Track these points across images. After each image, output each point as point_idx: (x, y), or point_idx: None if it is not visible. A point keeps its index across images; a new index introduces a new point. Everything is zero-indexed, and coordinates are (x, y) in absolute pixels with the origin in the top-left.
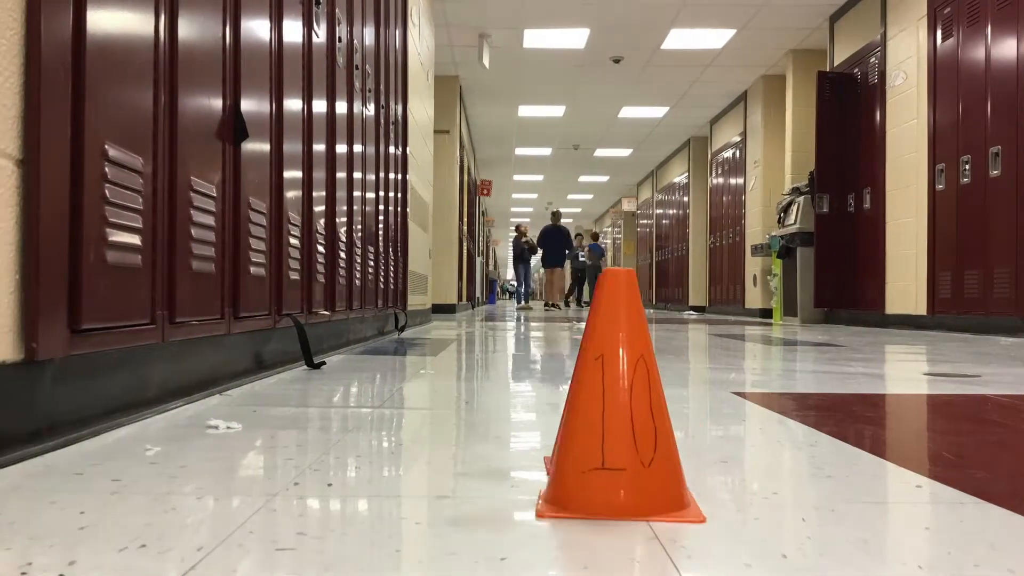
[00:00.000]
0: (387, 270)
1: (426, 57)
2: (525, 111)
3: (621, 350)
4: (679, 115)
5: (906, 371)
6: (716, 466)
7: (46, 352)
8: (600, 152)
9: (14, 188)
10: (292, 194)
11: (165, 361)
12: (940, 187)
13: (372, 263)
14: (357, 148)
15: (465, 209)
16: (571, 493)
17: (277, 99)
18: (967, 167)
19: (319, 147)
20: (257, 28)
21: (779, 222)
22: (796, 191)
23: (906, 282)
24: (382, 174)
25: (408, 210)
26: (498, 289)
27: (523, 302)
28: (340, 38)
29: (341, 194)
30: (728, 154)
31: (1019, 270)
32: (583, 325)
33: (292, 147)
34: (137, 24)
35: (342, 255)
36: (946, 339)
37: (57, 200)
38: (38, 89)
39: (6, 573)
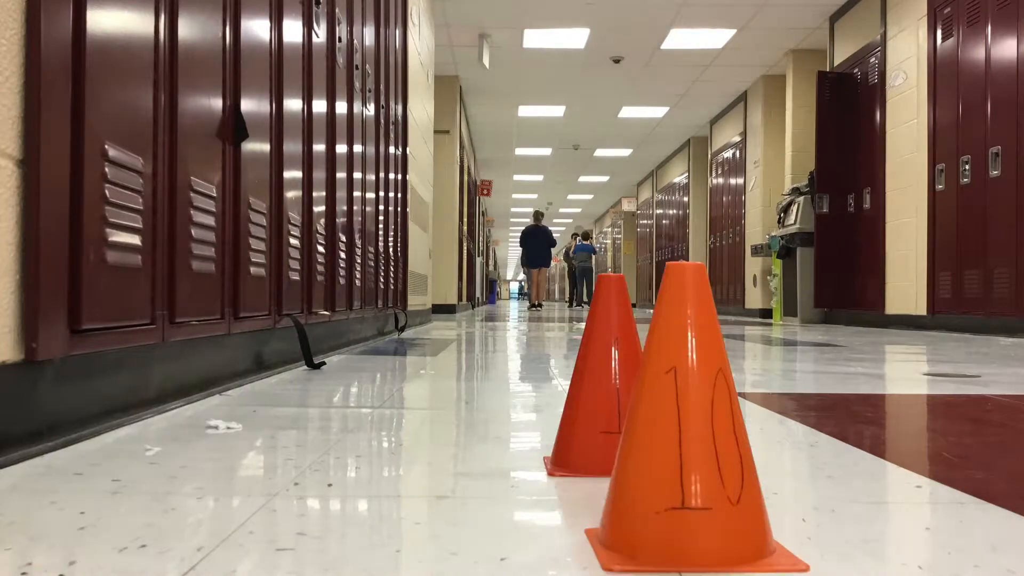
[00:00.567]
0: (387, 270)
1: (426, 57)
2: (525, 111)
3: (696, 361)
4: (679, 115)
5: (906, 371)
6: None
7: (46, 352)
8: (600, 152)
9: (14, 188)
10: (292, 194)
11: (165, 361)
12: (940, 187)
13: (372, 263)
14: (357, 148)
15: (465, 209)
16: (641, 539)
17: (277, 99)
18: (967, 167)
19: (319, 147)
20: (257, 28)
21: (779, 222)
22: (796, 191)
23: (906, 282)
24: (382, 174)
25: (408, 210)
26: (499, 290)
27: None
28: (340, 38)
29: (341, 194)
30: (728, 154)
31: (1019, 270)
32: (582, 325)
33: (292, 147)
34: (137, 24)
35: (342, 255)
36: (946, 339)
37: (57, 200)
38: (38, 89)
39: (6, 573)
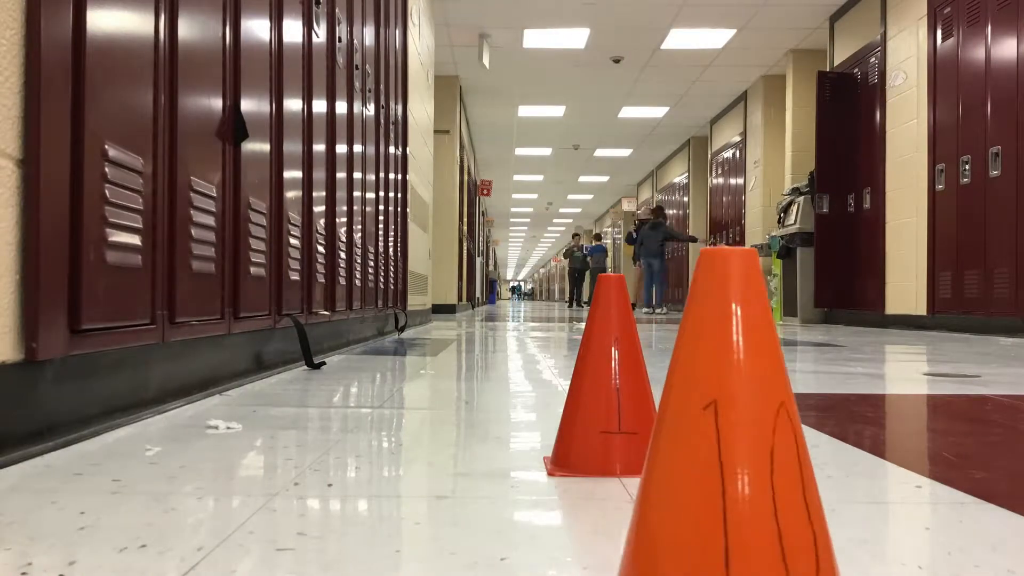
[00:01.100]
0: (387, 270)
1: (426, 57)
2: (525, 111)
3: (749, 392)
4: (679, 115)
5: (906, 371)
6: None
7: (46, 352)
8: (600, 152)
9: (14, 188)
10: (292, 194)
11: (165, 361)
12: (940, 187)
13: (372, 263)
14: (357, 148)
15: (465, 209)
16: None
17: (277, 99)
18: (967, 167)
19: (319, 147)
20: (257, 28)
21: (779, 222)
22: (796, 191)
23: (906, 282)
24: (382, 174)
25: (408, 210)
26: (499, 290)
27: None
28: (340, 38)
29: (341, 194)
30: (728, 154)
31: (1019, 270)
32: (582, 325)
33: (292, 147)
34: (137, 24)
35: (342, 255)
36: (946, 339)
37: (57, 200)
38: (38, 89)
39: (6, 573)
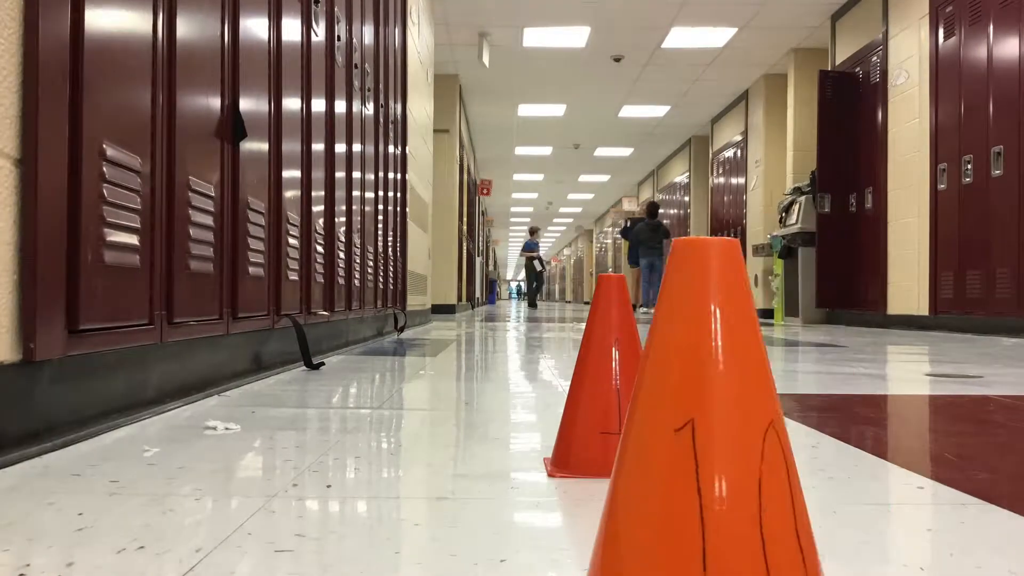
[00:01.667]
0: (386, 270)
1: (425, 56)
2: (525, 110)
3: (731, 410)
4: (680, 114)
5: (908, 372)
6: None
7: (44, 353)
8: (600, 151)
9: (12, 188)
10: (291, 194)
11: (163, 361)
12: (942, 187)
13: (371, 263)
14: (356, 147)
15: (465, 209)
16: None
17: (276, 98)
18: (969, 167)
19: (318, 147)
20: (256, 27)
21: (780, 222)
22: (797, 191)
23: (908, 282)
24: (381, 173)
25: (407, 210)
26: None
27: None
28: (339, 37)
29: (340, 194)
30: (729, 153)
31: (1022, 270)
32: (582, 325)
33: (291, 146)
34: (135, 23)
35: (341, 255)
36: (948, 339)
37: (55, 200)
38: (36, 88)
39: (4, 574)
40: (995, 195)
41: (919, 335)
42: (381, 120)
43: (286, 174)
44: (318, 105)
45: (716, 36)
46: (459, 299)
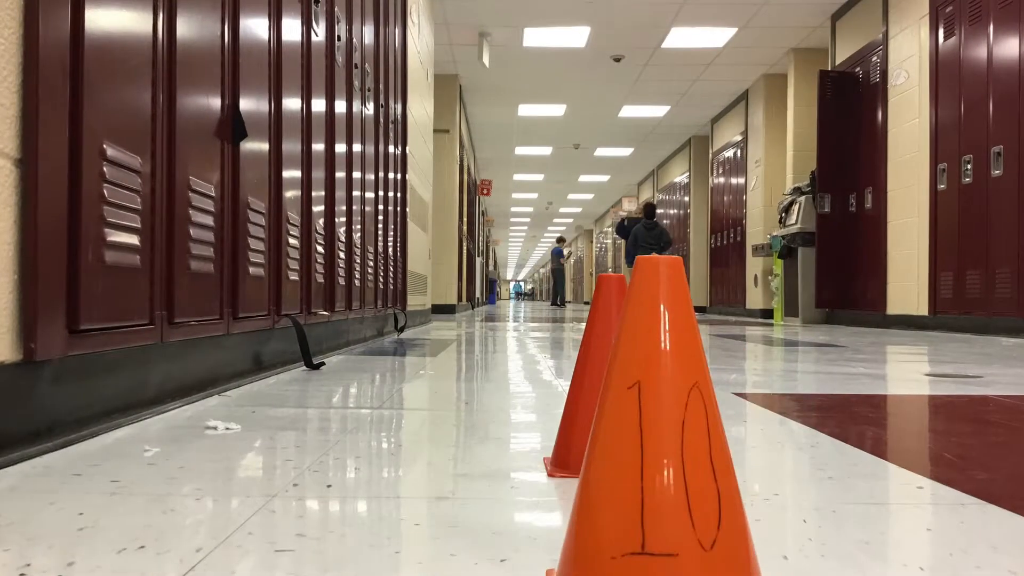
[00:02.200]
0: (386, 270)
1: (426, 56)
2: (525, 110)
3: (669, 375)
4: (680, 114)
5: (907, 372)
6: None
7: (45, 353)
8: (600, 151)
9: (12, 188)
10: (291, 194)
11: (164, 361)
12: (942, 187)
13: (371, 263)
14: (356, 147)
15: (465, 209)
16: None
17: (276, 98)
18: (969, 167)
19: (318, 147)
20: (256, 27)
21: (780, 222)
22: (797, 191)
23: (907, 282)
24: (381, 174)
25: (407, 210)
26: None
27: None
28: (339, 37)
29: (340, 194)
30: (729, 153)
31: (1021, 270)
32: (582, 325)
33: (291, 146)
34: (135, 23)
35: (341, 255)
36: (947, 340)
37: (55, 200)
38: (36, 88)
39: (5, 574)
40: (995, 195)
41: (919, 335)
42: (381, 120)
43: (286, 174)
44: (318, 105)
45: (716, 36)
46: (459, 299)
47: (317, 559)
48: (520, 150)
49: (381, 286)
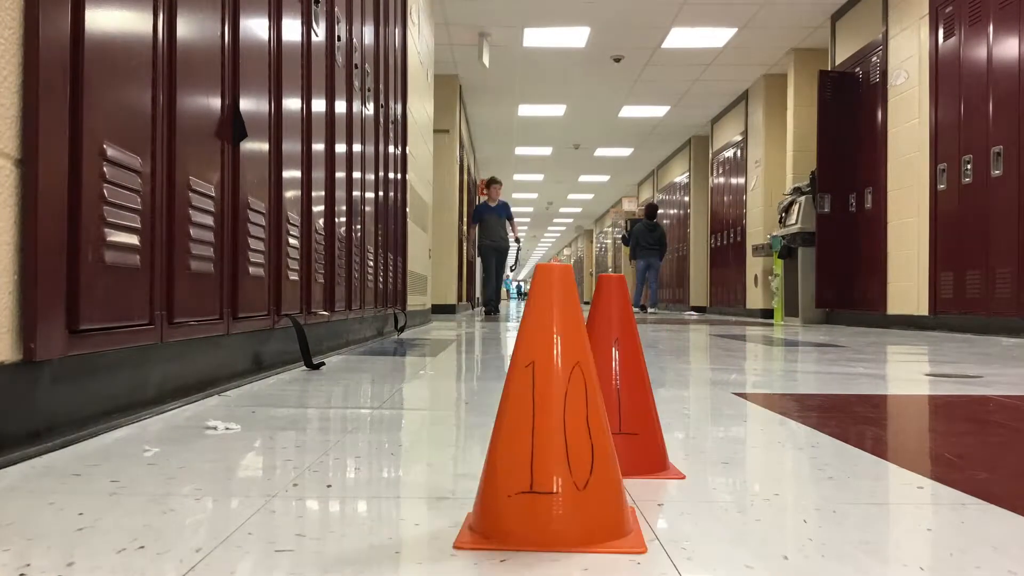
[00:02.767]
0: (386, 270)
1: (426, 56)
2: (525, 110)
3: (555, 356)
4: (680, 114)
5: (908, 372)
6: (717, 467)
7: (44, 353)
8: (600, 151)
9: (12, 188)
10: (291, 194)
11: (164, 361)
12: (942, 187)
13: (371, 263)
14: (356, 147)
15: (465, 209)
16: (494, 520)
17: (276, 98)
18: (969, 167)
19: (318, 147)
20: (256, 27)
21: (780, 222)
22: (797, 191)
23: (907, 282)
24: (381, 174)
25: (408, 210)
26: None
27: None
28: (339, 37)
29: (340, 194)
30: (729, 154)
31: (1021, 270)
32: None
33: (291, 147)
34: (136, 23)
35: (341, 255)
36: (948, 339)
37: (55, 200)
38: (36, 88)
39: (4, 574)
40: (995, 195)
41: (919, 335)
42: (381, 120)
43: (286, 174)
44: (318, 105)
45: (716, 36)
46: (459, 299)
47: (317, 559)
48: (520, 150)
49: (381, 286)
